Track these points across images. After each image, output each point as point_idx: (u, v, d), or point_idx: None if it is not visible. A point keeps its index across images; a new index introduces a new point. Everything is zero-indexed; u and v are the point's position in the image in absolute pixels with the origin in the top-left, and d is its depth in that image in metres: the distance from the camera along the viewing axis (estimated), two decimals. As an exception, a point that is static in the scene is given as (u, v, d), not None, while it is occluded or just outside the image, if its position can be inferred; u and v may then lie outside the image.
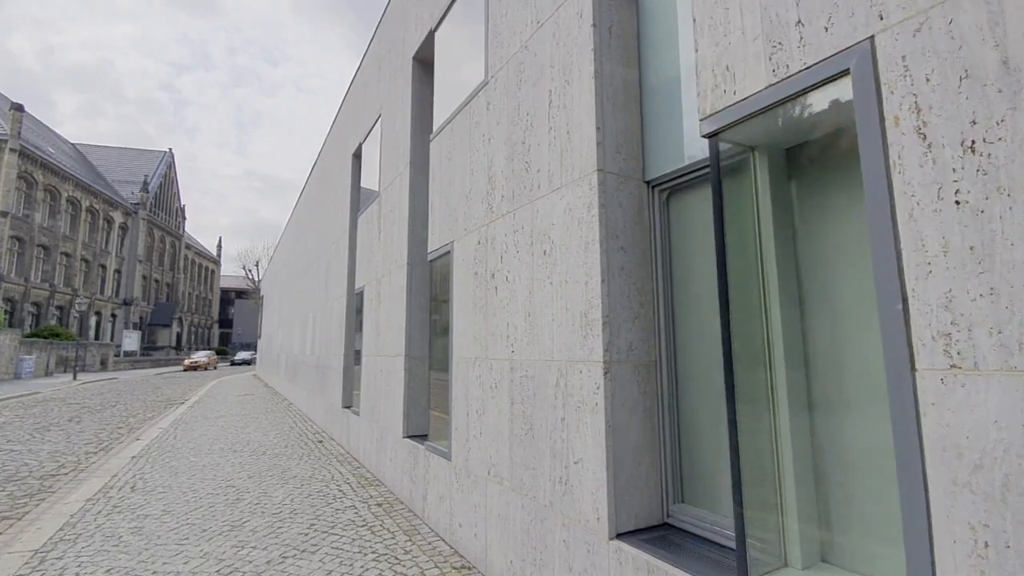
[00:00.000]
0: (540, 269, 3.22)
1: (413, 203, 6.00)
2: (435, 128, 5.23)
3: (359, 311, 8.15)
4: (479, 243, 4.06)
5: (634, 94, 3.02)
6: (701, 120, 2.22)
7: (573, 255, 2.92)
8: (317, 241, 11.90)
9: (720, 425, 2.58)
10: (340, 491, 5.88)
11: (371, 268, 7.44)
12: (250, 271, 73.16)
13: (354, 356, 8.36)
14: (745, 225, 2.20)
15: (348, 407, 8.40)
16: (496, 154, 3.88)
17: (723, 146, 2.16)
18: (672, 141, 2.86)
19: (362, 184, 8.78)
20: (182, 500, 5.45)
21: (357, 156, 9.02)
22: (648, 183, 2.97)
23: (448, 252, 4.65)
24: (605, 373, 2.64)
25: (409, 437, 5.59)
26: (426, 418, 5.60)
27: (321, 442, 8.68)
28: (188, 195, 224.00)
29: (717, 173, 2.14)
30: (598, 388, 2.66)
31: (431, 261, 5.23)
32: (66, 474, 6.71)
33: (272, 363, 21.53)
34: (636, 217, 2.90)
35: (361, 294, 7.93)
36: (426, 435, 5.46)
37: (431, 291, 5.62)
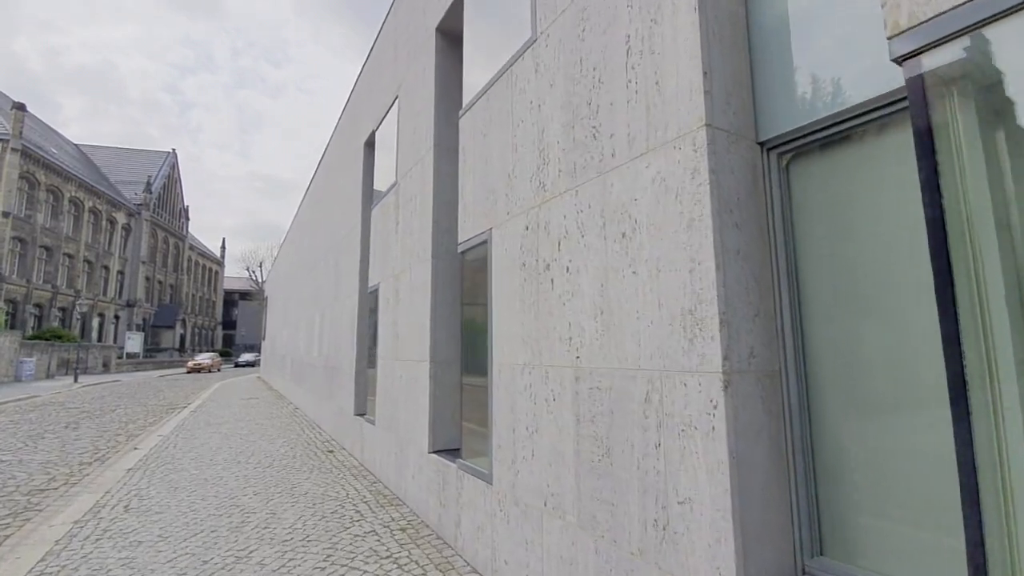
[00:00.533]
0: (617, 256, 2.60)
1: (438, 189, 5.39)
2: (465, 104, 4.63)
3: (373, 310, 7.54)
4: (527, 229, 3.44)
5: (742, 31, 2.40)
6: (891, 38, 1.59)
7: (669, 236, 2.30)
8: (325, 238, 11.32)
9: (868, 451, 1.97)
10: (357, 512, 5.27)
11: (387, 263, 6.82)
12: (254, 272, 72.85)
13: (367, 358, 7.75)
14: (949, 189, 1.54)
15: (361, 415, 7.79)
16: (550, 123, 3.27)
17: (928, 72, 1.53)
18: (794, 92, 2.24)
19: (374, 184, 8.18)
20: (181, 523, 4.85)
21: (370, 144, 8.42)
22: (762, 144, 2.35)
23: (484, 242, 4.06)
24: (725, 387, 2.01)
25: (436, 452, 4.98)
26: (457, 431, 4.99)
27: (332, 452, 8.08)
28: (191, 196, 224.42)
29: (924, 109, 1.51)
30: (714, 407, 2.04)
31: (462, 253, 4.60)
32: (56, 488, 6.12)
33: (277, 365, 20.97)
34: (751, 187, 2.28)
35: (376, 292, 7.32)
36: (457, 450, 4.83)
37: (461, 287, 5.00)
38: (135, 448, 8.33)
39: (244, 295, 79.25)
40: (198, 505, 5.40)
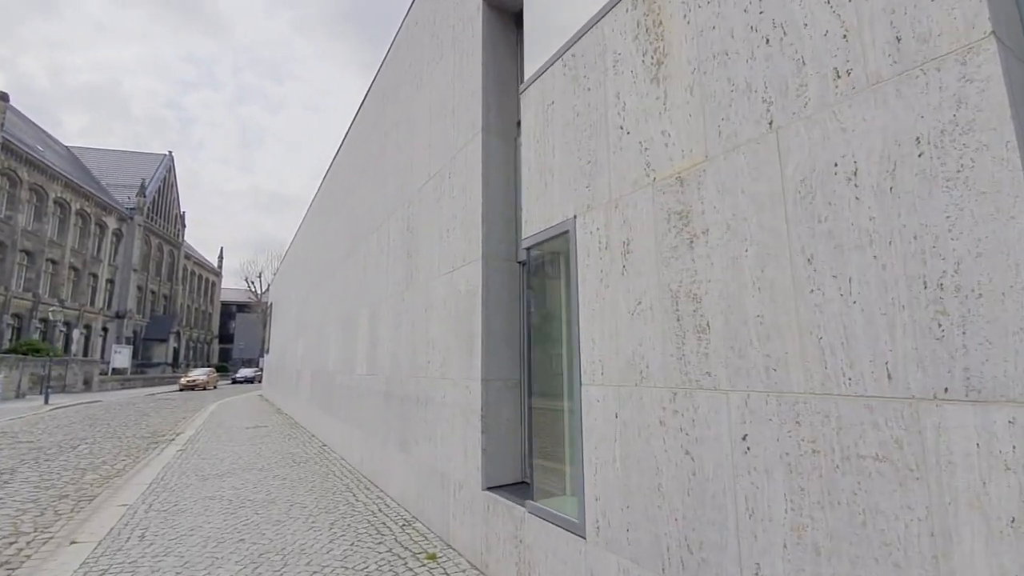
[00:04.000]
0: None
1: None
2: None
3: (538, 281, 4.14)
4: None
5: None
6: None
7: None
8: (376, 208, 7.91)
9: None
10: None
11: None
12: (253, 283, 69.30)
13: (528, 377, 4.25)
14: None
15: (496, 489, 4.24)
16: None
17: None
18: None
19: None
20: None
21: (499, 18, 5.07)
22: None
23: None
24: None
25: None
26: None
27: (434, 557, 4.58)
28: (192, 210, 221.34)
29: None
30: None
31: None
32: None
33: (287, 382, 17.38)
34: None
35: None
36: None
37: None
38: (74, 541, 4.78)
39: (242, 307, 75.54)
40: None
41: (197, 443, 10.67)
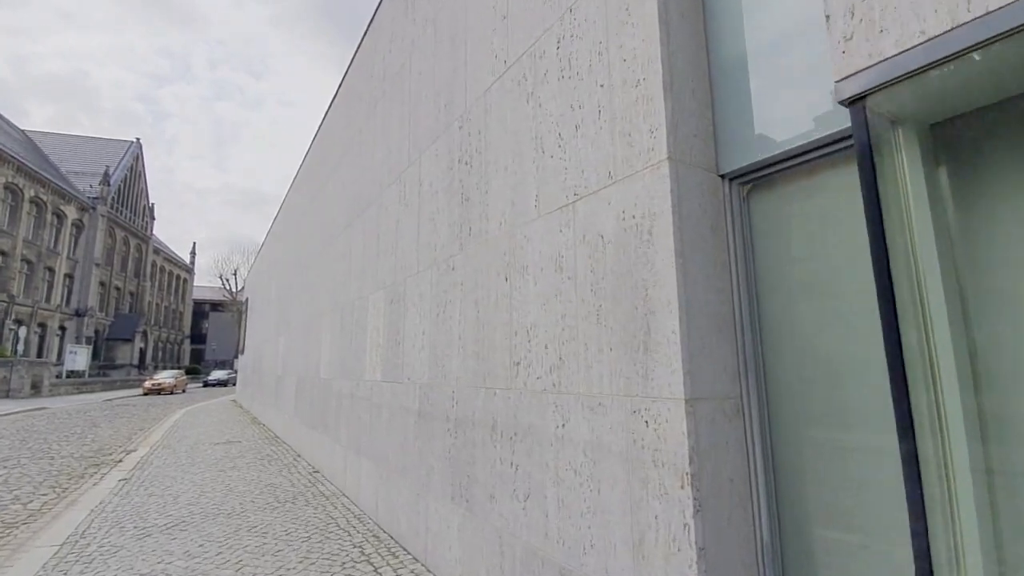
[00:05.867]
0: None
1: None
2: None
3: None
4: None
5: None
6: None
7: None
8: (387, 156, 5.75)
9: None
10: None
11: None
12: (227, 280, 65.82)
13: (717, 400, 2.13)
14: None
15: None
16: None
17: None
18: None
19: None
20: None
21: None
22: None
23: None
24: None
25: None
26: None
27: None
28: (163, 208, 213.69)
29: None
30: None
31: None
32: None
33: (265, 388, 14.98)
34: None
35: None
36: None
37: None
38: None
39: (216, 306, 71.85)
40: None
41: (149, 467, 8.31)
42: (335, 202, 8.30)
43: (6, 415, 17.05)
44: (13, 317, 34.55)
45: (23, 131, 46.97)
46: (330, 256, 8.18)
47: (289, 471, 8.00)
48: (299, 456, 9.25)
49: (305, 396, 9.31)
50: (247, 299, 23.38)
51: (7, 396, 24.37)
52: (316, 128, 10.74)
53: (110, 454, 10.00)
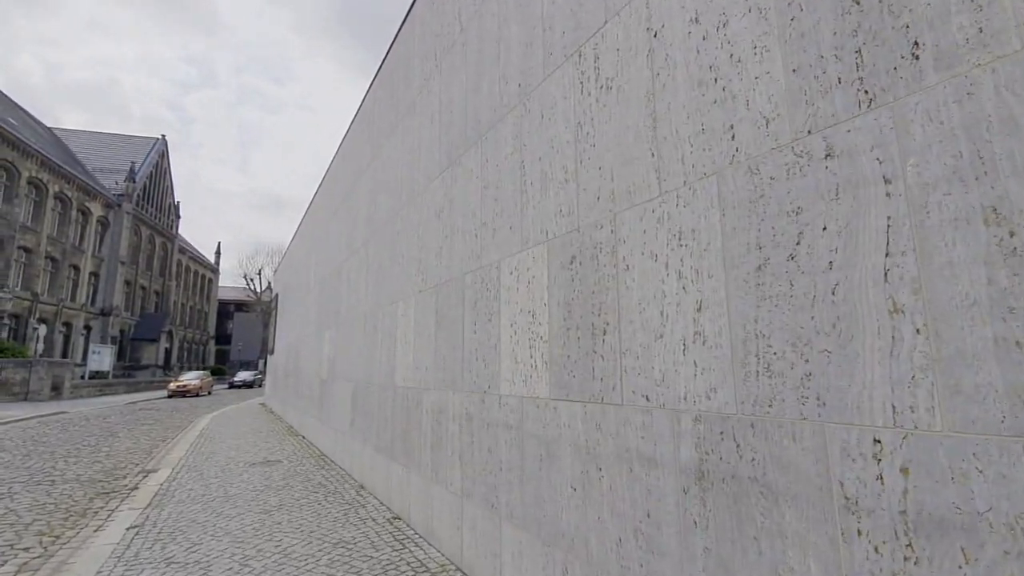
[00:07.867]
0: None
1: None
2: None
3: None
4: None
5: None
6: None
7: None
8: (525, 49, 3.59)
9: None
10: None
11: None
12: (252, 280, 64.93)
13: None
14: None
15: None
16: None
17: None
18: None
19: None
20: None
21: None
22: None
23: None
24: None
25: None
26: None
27: None
28: (188, 210, 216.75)
29: None
30: None
31: None
32: None
33: (303, 393, 12.95)
34: None
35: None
36: None
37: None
38: None
39: (240, 306, 71.10)
40: None
41: (169, 503, 6.25)
42: (417, 151, 6.14)
43: (18, 421, 15.38)
44: (37, 316, 33.52)
45: (48, 128, 46.39)
46: (420, 209, 5.97)
47: (357, 514, 5.86)
48: (362, 487, 7.12)
49: (369, 409, 7.17)
50: (276, 295, 21.58)
51: (25, 399, 22.97)
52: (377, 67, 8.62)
53: (123, 478, 8.01)
